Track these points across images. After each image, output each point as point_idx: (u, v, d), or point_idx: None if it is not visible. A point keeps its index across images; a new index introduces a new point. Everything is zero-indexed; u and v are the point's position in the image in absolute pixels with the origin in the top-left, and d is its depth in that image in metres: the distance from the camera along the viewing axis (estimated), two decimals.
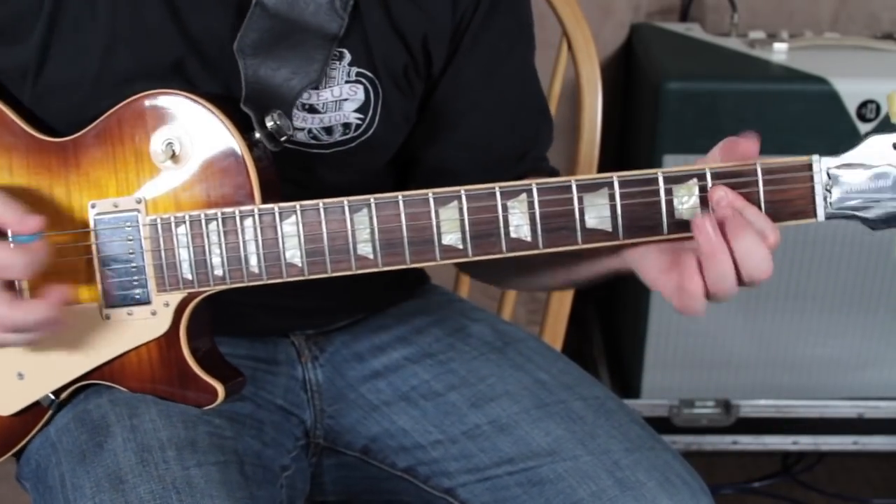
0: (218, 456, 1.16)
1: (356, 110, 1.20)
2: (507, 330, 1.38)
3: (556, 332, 1.63)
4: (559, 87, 1.63)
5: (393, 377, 1.34)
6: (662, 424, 2.25)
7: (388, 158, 1.27)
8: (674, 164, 1.98)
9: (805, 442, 2.31)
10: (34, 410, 1.19)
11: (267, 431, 1.27)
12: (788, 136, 2.02)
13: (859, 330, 2.19)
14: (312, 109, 1.19)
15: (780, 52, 2.11)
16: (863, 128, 2.00)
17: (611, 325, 2.50)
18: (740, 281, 1.02)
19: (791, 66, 2.06)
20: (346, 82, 1.19)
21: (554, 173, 1.34)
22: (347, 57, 1.19)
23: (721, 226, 1.01)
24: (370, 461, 1.32)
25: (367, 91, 1.20)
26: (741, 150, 1.03)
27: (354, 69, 1.19)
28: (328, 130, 1.20)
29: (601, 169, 1.60)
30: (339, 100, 1.20)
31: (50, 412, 1.20)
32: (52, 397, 1.18)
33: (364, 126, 1.21)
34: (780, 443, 2.31)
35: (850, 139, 2.21)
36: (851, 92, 1.99)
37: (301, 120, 1.19)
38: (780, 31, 2.17)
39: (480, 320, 1.39)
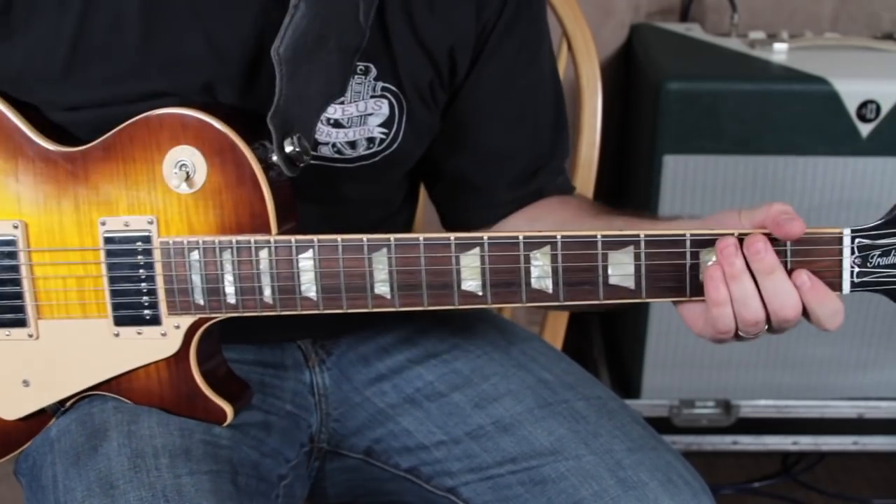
0: (211, 465, 1.15)
1: (381, 125, 1.20)
2: (511, 329, 1.38)
3: (556, 332, 1.63)
4: None
5: (397, 379, 1.34)
6: (662, 424, 2.25)
7: (409, 168, 1.26)
8: (674, 164, 1.97)
9: (805, 442, 2.31)
10: (39, 416, 1.19)
11: (268, 442, 1.26)
12: (788, 136, 2.01)
13: (859, 330, 2.18)
14: (337, 124, 1.18)
15: (780, 52, 2.10)
16: (863, 128, 2.00)
17: (611, 325, 2.50)
18: (768, 316, 1.03)
19: (791, 66, 2.06)
20: (372, 97, 1.18)
21: (568, 191, 1.34)
22: (373, 71, 1.18)
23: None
24: (373, 463, 1.33)
25: (391, 105, 1.19)
26: (785, 231, 1.01)
27: (380, 84, 1.18)
28: (352, 145, 1.20)
29: (601, 169, 1.60)
30: (364, 114, 1.19)
31: (55, 418, 1.19)
32: (58, 405, 1.18)
33: (388, 140, 1.21)
34: (780, 443, 2.31)
35: (850, 139, 2.19)
36: (851, 92, 1.99)
37: (325, 135, 1.18)
38: (780, 31, 2.17)
39: (484, 320, 1.39)
